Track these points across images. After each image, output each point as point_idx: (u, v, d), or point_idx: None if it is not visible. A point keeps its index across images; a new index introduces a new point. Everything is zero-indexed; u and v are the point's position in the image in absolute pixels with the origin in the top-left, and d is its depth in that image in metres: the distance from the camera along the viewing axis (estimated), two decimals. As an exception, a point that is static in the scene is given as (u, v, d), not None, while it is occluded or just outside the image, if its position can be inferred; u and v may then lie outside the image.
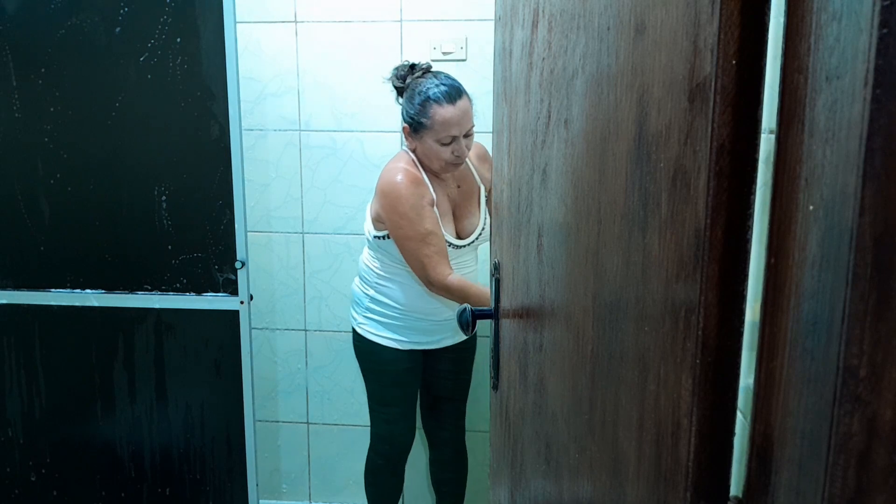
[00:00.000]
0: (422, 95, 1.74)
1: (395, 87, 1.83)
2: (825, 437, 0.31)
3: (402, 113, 1.81)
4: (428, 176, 1.81)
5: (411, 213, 1.73)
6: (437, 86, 1.73)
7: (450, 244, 1.82)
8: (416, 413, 2.05)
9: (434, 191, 1.81)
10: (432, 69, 1.80)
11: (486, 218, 1.89)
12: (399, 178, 1.75)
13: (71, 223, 1.93)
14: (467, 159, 1.84)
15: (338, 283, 2.29)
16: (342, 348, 2.33)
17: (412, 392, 2.00)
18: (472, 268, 1.94)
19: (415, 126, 1.76)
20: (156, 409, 2.03)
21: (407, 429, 2.00)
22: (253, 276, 2.14)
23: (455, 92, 1.73)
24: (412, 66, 1.81)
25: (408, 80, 1.79)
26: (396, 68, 1.83)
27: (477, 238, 1.89)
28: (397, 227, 1.75)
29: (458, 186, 1.89)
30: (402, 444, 2.01)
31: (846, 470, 0.30)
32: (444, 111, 1.71)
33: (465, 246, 1.87)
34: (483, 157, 1.92)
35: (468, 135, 1.77)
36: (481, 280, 1.92)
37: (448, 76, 1.77)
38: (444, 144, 1.74)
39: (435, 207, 1.80)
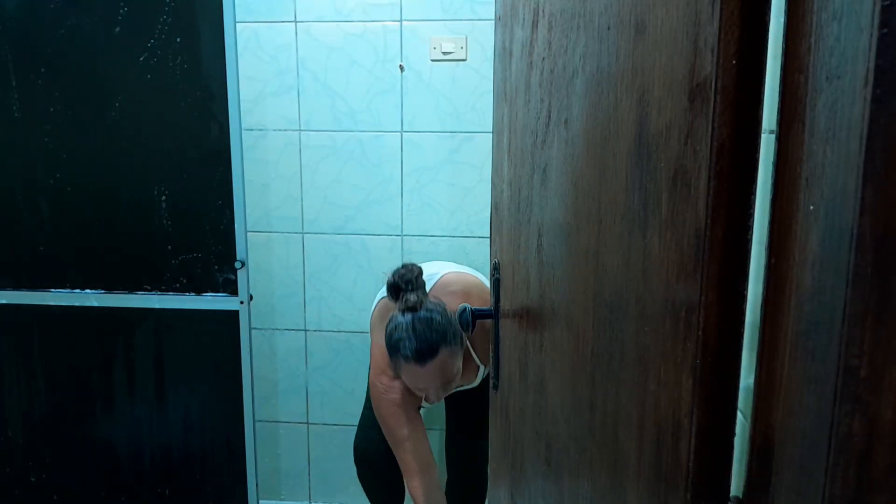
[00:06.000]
0: (393, 343, 1.55)
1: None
2: (825, 438, 0.31)
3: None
4: None
5: (388, 419, 1.69)
6: (409, 339, 1.50)
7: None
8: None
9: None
10: (421, 306, 1.54)
11: (481, 379, 1.79)
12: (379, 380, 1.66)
13: (70, 223, 1.93)
14: (468, 345, 1.68)
15: (338, 284, 2.29)
16: (342, 348, 2.33)
17: None
18: None
19: (390, 356, 1.59)
20: (155, 410, 2.03)
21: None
22: (253, 276, 2.14)
23: (427, 351, 1.50)
24: (398, 289, 1.58)
25: (397, 297, 1.59)
26: (395, 273, 1.61)
27: (477, 385, 1.82)
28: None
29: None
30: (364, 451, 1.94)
31: (847, 470, 0.30)
32: (412, 370, 1.53)
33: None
34: (485, 337, 1.66)
35: (448, 381, 1.59)
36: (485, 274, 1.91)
37: (428, 325, 1.51)
38: (421, 390, 1.60)
39: (423, 401, 1.69)
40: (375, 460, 1.93)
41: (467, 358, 1.71)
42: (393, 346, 1.55)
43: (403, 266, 1.61)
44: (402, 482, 2.08)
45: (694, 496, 0.42)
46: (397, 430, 1.68)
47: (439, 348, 1.51)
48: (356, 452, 1.97)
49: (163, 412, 2.03)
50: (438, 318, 1.54)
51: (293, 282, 2.31)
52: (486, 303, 1.72)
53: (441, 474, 2.09)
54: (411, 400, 1.69)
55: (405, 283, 1.57)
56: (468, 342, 1.70)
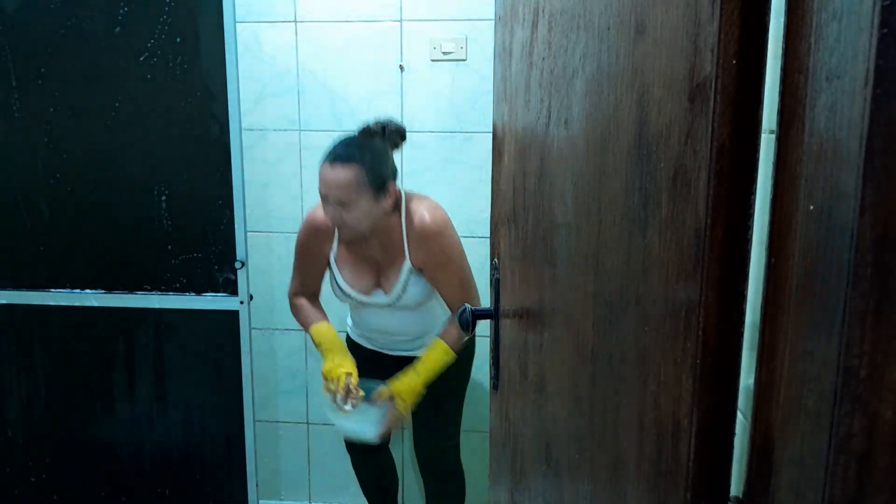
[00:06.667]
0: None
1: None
2: (825, 438, 0.31)
3: None
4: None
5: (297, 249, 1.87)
6: (337, 144, 1.64)
7: (350, 297, 1.84)
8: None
9: (338, 241, 1.79)
10: (375, 137, 1.67)
11: (404, 289, 1.78)
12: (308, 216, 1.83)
13: (71, 223, 1.93)
14: (403, 230, 1.73)
15: (338, 283, 2.28)
16: (342, 348, 2.33)
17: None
18: (403, 323, 1.87)
19: None
20: (155, 410, 2.03)
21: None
22: (253, 276, 2.13)
23: (342, 156, 1.59)
24: (369, 130, 1.70)
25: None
26: (379, 120, 1.72)
27: (392, 304, 1.81)
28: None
29: (385, 249, 1.77)
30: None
31: (846, 470, 0.30)
32: (322, 169, 1.62)
33: (372, 305, 1.82)
34: (422, 237, 1.72)
35: (344, 205, 1.61)
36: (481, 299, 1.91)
37: (361, 145, 1.63)
38: (323, 198, 1.65)
39: (333, 257, 1.82)
40: (366, 447, 1.94)
41: (397, 235, 1.73)
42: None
43: (390, 120, 1.72)
44: (395, 472, 2.11)
45: (694, 496, 0.42)
46: (300, 259, 1.87)
47: (353, 161, 1.59)
48: (347, 442, 2.00)
49: (163, 412, 2.03)
50: (377, 149, 1.64)
51: (293, 282, 2.31)
52: (437, 219, 1.74)
53: (421, 484, 2.07)
54: (324, 237, 1.80)
55: (379, 126, 1.69)
56: (404, 220, 1.73)
